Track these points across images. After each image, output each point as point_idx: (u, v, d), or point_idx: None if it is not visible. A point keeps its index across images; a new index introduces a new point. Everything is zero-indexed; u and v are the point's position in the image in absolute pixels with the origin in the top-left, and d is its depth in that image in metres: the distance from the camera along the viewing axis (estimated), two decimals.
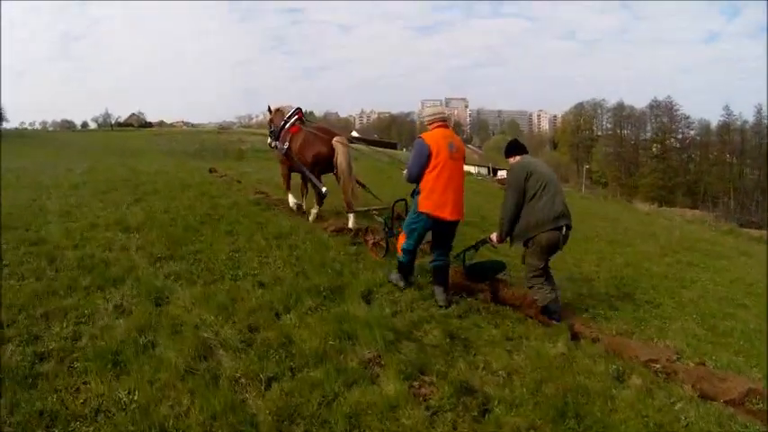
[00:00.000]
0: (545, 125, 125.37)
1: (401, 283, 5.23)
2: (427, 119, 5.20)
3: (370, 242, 6.59)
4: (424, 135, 5.04)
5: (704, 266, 10.02)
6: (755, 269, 10.74)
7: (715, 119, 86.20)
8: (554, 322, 4.87)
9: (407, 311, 4.75)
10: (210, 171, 14.02)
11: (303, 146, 7.68)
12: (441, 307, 4.89)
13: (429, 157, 4.86)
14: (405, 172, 5.21)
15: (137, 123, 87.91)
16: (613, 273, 7.97)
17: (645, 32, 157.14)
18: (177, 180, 11.65)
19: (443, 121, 5.17)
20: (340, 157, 7.28)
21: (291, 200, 8.57)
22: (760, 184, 73.19)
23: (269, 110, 8.82)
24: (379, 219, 6.80)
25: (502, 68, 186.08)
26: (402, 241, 5.17)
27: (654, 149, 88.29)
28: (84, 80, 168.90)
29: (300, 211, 8.42)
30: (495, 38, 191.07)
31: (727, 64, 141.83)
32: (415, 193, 5.10)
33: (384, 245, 6.40)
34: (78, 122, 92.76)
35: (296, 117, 8.20)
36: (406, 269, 5.27)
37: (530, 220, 4.81)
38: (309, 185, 8.19)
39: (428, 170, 4.88)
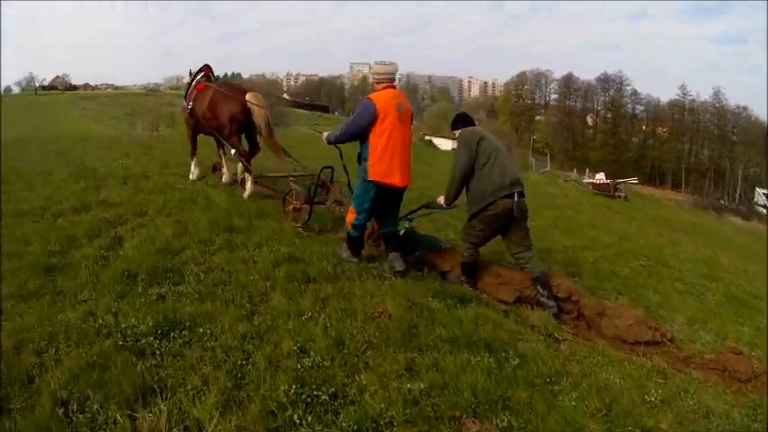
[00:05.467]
0: (475, 91, 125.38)
1: (353, 260, 4.87)
2: (376, 77, 4.81)
3: (290, 207, 5.95)
4: (372, 96, 4.66)
5: None
6: None
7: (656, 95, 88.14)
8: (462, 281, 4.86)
9: None
10: (215, 170, 8.01)
11: (212, 106, 6.80)
12: (398, 272, 4.66)
13: (375, 119, 4.51)
14: (325, 134, 4.99)
15: (62, 86, 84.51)
16: None
17: (570, 9, 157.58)
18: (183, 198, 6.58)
19: (392, 81, 4.79)
20: (258, 116, 6.58)
21: (194, 171, 7.60)
22: (713, 165, 76.06)
23: (189, 73, 7.81)
24: (294, 186, 6.14)
25: (428, 37, 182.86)
26: (352, 216, 4.79)
27: (600, 122, 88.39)
28: (6, 42, 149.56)
29: (200, 177, 7.56)
30: (421, 8, 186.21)
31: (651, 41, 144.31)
32: (360, 158, 4.70)
33: (307, 211, 5.76)
34: (1, 87, 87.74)
35: (202, 74, 7.40)
36: (356, 244, 4.94)
37: (485, 187, 4.63)
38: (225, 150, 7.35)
39: (376, 134, 4.54)
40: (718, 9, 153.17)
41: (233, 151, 6.78)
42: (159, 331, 3.22)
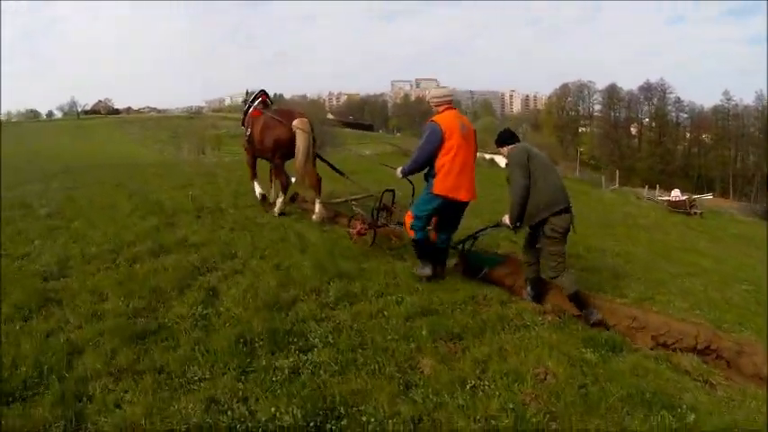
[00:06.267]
0: (518, 105, 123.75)
1: (426, 271, 4.79)
2: (435, 101, 4.95)
3: (355, 231, 5.90)
4: (435, 118, 4.81)
5: None
6: None
7: (698, 101, 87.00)
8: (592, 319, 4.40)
9: None
10: (293, 200, 7.58)
11: (263, 131, 6.87)
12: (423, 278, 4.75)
13: (442, 140, 4.66)
14: (399, 169, 5.03)
15: (104, 111, 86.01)
16: None
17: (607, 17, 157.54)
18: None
19: (450, 103, 4.97)
20: (299, 141, 6.49)
21: (257, 189, 7.46)
22: (758, 171, 73.24)
23: (246, 93, 7.80)
24: (357, 209, 6.25)
25: (469, 53, 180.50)
26: (410, 220, 4.81)
27: (645, 131, 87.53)
28: (49, 71, 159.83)
29: (265, 202, 7.35)
30: (460, 23, 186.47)
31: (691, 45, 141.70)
32: (428, 175, 4.81)
33: (371, 234, 5.78)
34: (44, 112, 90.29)
35: (259, 100, 7.35)
36: (423, 249, 4.88)
37: (539, 202, 4.55)
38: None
39: (443, 153, 4.69)
40: (753, 9, 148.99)
41: (288, 178, 6.84)
42: (312, 423, 2.47)
